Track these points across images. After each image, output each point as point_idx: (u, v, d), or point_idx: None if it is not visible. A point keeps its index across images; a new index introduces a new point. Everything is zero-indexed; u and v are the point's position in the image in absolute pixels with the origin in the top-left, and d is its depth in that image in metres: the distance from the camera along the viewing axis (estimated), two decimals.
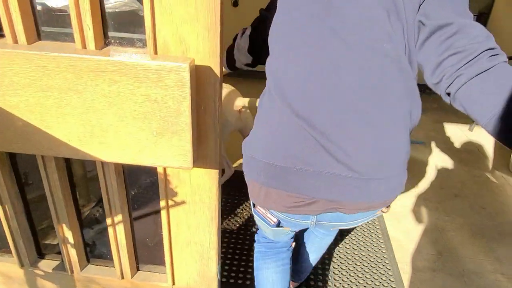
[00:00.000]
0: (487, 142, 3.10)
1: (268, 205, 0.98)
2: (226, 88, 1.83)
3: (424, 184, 2.50)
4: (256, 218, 1.12)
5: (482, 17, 3.64)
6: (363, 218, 1.00)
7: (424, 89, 0.90)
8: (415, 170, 2.64)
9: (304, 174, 0.85)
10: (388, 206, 1.01)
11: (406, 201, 2.31)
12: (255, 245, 1.34)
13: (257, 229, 1.40)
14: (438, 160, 2.80)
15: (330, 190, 0.86)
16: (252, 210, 1.11)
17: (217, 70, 0.89)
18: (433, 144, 3.03)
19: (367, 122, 0.81)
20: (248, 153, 0.94)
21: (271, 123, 0.88)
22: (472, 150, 2.98)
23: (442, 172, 2.65)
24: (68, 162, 1.16)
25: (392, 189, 0.90)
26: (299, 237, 1.48)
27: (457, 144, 3.08)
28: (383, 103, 0.81)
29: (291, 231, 1.15)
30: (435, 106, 3.58)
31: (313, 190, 0.86)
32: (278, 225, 1.06)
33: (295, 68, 0.83)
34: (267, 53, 0.91)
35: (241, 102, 1.78)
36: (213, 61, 0.88)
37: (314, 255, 1.48)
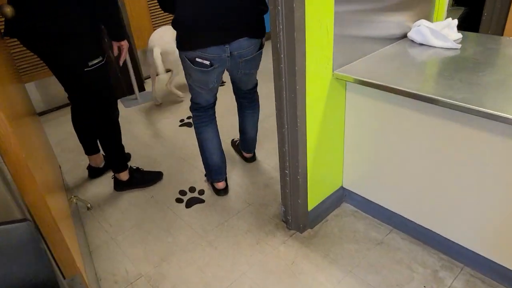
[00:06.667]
0: None
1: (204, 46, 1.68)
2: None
3: None
4: (194, 80, 1.81)
5: None
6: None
7: None
8: None
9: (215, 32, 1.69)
10: None
11: None
12: (193, 114, 1.97)
13: (194, 102, 1.95)
14: None
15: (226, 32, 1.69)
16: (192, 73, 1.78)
17: None
18: None
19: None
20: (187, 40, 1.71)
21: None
22: None
23: None
24: None
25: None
26: (241, 118, 2.18)
27: None
28: None
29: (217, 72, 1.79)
30: None
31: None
32: (211, 65, 1.72)
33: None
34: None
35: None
36: None
37: (253, 129, 2.22)
